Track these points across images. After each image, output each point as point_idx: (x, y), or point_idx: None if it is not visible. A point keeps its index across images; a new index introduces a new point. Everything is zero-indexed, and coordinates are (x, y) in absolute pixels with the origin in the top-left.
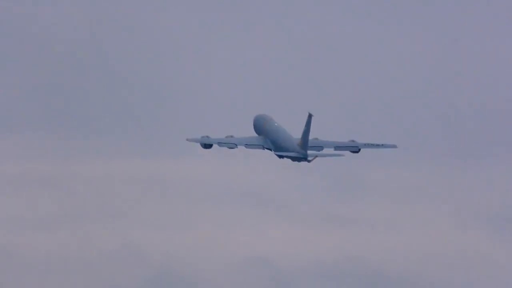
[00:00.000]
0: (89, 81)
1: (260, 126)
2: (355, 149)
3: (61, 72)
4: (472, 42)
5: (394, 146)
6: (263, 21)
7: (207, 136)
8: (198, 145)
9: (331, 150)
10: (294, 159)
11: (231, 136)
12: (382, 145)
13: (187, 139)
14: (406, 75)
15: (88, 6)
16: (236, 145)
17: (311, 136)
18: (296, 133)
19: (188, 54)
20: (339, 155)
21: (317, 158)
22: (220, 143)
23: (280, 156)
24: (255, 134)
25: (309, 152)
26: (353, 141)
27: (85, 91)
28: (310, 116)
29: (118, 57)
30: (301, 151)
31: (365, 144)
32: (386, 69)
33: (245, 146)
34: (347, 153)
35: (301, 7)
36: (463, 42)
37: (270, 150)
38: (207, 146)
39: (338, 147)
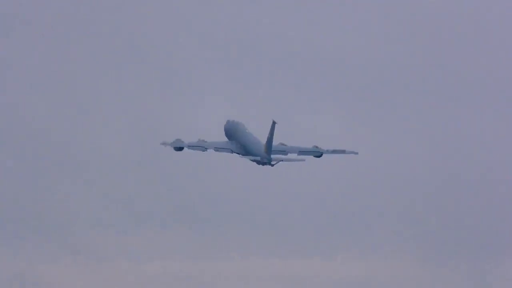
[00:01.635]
0: None
1: (230, 131)
2: (318, 154)
3: None
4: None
5: (355, 153)
6: (237, 28)
7: (180, 139)
8: (171, 148)
9: (294, 155)
10: (259, 162)
11: (204, 141)
12: (344, 151)
13: (160, 143)
14: (373, 82)
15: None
16: (206, 148)
17: (277, 142)
18: (264, 138)
19: (177, 60)
20: (301, 159)
21: (280, 162)
22: (190, 146)
23: (241, 157)
24: (226, 139)
25: (273, 156)
26: (316, 147)
27: None
28: (274, 123)
29: (119, 57)
30: (265, 155)
31: (327, 150)
32: (354, 76)
33: (214, 150)
34: (310, 158)
35: (271, 15)
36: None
37: (238, 154)
38: (179, 148)
39: (302, 152)
